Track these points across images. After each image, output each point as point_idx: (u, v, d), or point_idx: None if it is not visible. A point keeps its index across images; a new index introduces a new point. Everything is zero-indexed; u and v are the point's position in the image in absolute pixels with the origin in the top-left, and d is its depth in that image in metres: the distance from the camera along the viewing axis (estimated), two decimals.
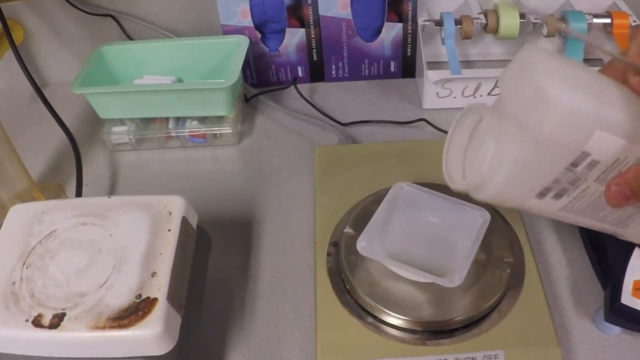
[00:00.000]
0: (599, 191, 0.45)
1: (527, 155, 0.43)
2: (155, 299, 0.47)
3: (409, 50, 0.88)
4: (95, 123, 0.84)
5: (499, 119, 0.45)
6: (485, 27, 0.83)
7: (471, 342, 0.51)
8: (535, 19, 0.83)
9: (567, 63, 0.43)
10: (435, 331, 0.52)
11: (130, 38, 0.92)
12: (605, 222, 0.49)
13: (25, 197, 0.69)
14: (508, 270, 0.54)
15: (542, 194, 0.46)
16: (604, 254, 0.60)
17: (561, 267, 0.63)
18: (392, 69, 0.90)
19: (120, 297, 0.47)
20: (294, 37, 0.86)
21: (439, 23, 0.83)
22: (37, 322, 0.46)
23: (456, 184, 0.49)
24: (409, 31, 0.86)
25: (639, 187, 0.42)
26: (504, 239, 0.57)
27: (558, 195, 0.46)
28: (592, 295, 0.59)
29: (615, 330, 0.56)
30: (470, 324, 0.52)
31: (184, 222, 0.54)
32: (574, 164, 0.43)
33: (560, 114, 0.40)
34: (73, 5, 0.87)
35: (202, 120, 0.80)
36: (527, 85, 0.41)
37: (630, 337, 0.56)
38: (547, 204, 0.47)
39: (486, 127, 0.46)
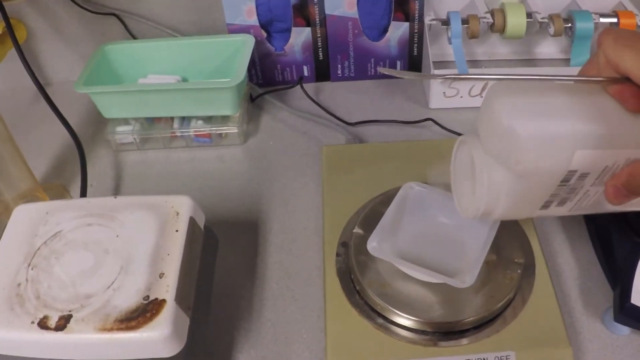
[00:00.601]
0: (600, 191, 0.45)
1: (517, 186, 0.44)
2: (164, 301, 0.46)
3: (415, 49, 0.88)
4: (99, 123, 0.84)
5: (486, 152, 0.46)
6: (492, 27, 0.83)
7: (482, 343, 0.51)
8: (542, 18, 0.82)
9: (533, 95, 0.42)
10: (446, 332, 0.51)
11: (134, 37, 0.91)
12: (619, 207, 0.49)
13: (29, 197, 0.68)
14: (519, 271, 0.54)
15: (545, 206, 0.46)
16: (612, 253, 0.59)
17: (570, 267, 0.62)
18: (399, 68, 0.90)
19: (127, 299, 0.47)
20: (299, 36, 0.86)
21: (446, 22, 0.82)
22: (43, 324, 0.46)
23: (466, 214, 0.50)
24: (416, 30, 0.86)
25: (634, 186, 0.42)
26: (514, 240, 0.56)
27: (561, 203, 0.46)
28: (602, 295, 0.59)
29: (625, 330, 0.55)
30: (481, 325, 0.52)
31: (192, 222, 0.53)
32: (565, 180, 0.43)
33: (535, 151, 0.41)
34: (76, 4, 0.87)
35: (208, 119, 0.80)
36: (497, 132, 0.42)
37: None
38: (554, 211, 0.47)
39: (477, 162, 0.46)
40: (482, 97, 0.81)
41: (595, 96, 0.42)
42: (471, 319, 0.51)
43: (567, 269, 0.62)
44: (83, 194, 0.72)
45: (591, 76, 0.42)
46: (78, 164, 0.73)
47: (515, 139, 0.41)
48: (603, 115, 0.41)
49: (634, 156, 0.42)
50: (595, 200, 0.46)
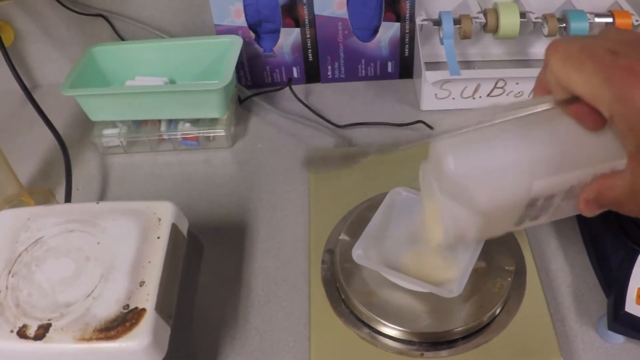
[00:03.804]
0: (572, 203, 0.44)
1: (482, 219, 0.43)
2: (144, 310, 0.46)
3: (406, 50, 0.87)
4: (86, 126, 0.83)
5: (444, 195, 0.45)
6: (484, 27, 0.82)
7: (471, 354, 0.50)
8: (535, 17, 0.81)
9: (479, 139, 0.40)
10: (433, 342, 0.51)
11: (122, 38, 0.90)
12: None
13: (14, 202, 0.68)
14: (509, 279, 0.53)
15: (518, 224, 0.45)
16: (607, 260, 0.58)
17: (563, 274, 0.61)
18: (390, 69, 0.89)
19: (107, 308, 0.46)
20: (288, 37, 0.85)
21: (438, 22, 0.82)
22: (22, 333, 0.45)
23: (440, 241, 0.48)
24: (407, 31, 0.85)
25: (604, 201, 0.41)
26: (504, 246, 0.55)
27: (534, 219, 0.45)
28: (595, 303, 0.58)
29: (619, 339, 0.55)
30: (470, 335, 0.51)
31: (174, 229, 0.53)
32: (531, 205, 0.42)
33: (488, 194, 0.41)
34: (64, 6, 0.86)
35: (195, 122, 0.79)
36: (448, 180, 0.41)
37: (635, 346, 0.55)
38: (530, 224, 0.46)
39: (439, 199, 0.45)
40: (474, 98, 0.81)
41: (552, 121, 0.41)
42: (459, 329, 0.50)
43: (561, 275, 0.61)
44: (68, 198, 0.71)
45: (542, 103, 0.40)
46: (64, 167, 0.73)
47: (466, 187, 0.41)
48: (559, 140, 0.40)
49: (600, 171, 0.41)
50: (571, 208, 0.45)
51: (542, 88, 0.42)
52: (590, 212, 0.42)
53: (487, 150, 0.40)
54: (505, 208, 0.42)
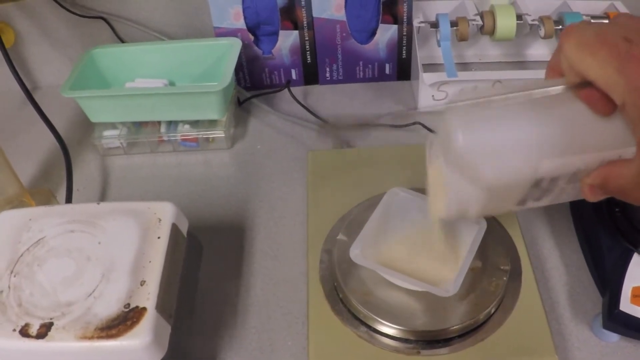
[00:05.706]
0: (576, 187, 0.44)
1: (486, 194, 0.43)
2: (144, 309, 0.46)
3: (404, 52, 0.88)
4: (86, 127, 0.83)
5: (450, 168, 0.45)
6: (481, 29, 0.83)
7: (467, 352, 0.50)
8: (532, 20, 0.82)
9: (489, 113, 0.41)
10: (429, 341, 0.51)
11: (122, 40, 0.91)
12: None
13: (15, 202, 0.68)
14: (504, 278, 0.53)
15: (521, 203, 0.45)
16: (602, 259, 0.59)
17: (558, 273, 0.62)
18: (387, 71, 0.90)
19: (108, 307, 0.47)
20: (287, 40, 0.85)
21: (435, 25, 0.82)
22: (24, 332, 0.46)
23: (442, 214, 0.49)
24: (404, 33, 0.85)
25: (610, 188, 0.41)
26: (500, 246, 0.56)
27: (537, 199, 0.45)
28: (590, 302, 0.59)
29: (614, 337, 0.55)
30: (466, 333, 0.51)
31: (174, 229, 0.53)
32: (536, 185, 0.43)
33: (494, 169, 0.41)
34: (64, 8, 0.86)
35: (194, 124, 0.80)
36: (455, 152, 0.41)
37: (629, 344, 0.55)
38: (532, 205, 0.46)
39: (444, 171, 0.46)
40: None
41: (562, 103, 0.41)
42: (455, 327, 0.50)
43: (556, 274, 0.62)
44: (68, 199, 0.72)
45: (554, 85, 0.41)
46: (65, 168, 0.73)
47: (472, 161, 0.41)
48: (568, 122, 0.40)
49: (607, 158, 0.41)
50: (575, 192, 0.45)
51: (553, 71, 0.43)
52: (594, 198, 0.43)
53: (496, 127, 0.40)
54: (510, 186, 0.42)
